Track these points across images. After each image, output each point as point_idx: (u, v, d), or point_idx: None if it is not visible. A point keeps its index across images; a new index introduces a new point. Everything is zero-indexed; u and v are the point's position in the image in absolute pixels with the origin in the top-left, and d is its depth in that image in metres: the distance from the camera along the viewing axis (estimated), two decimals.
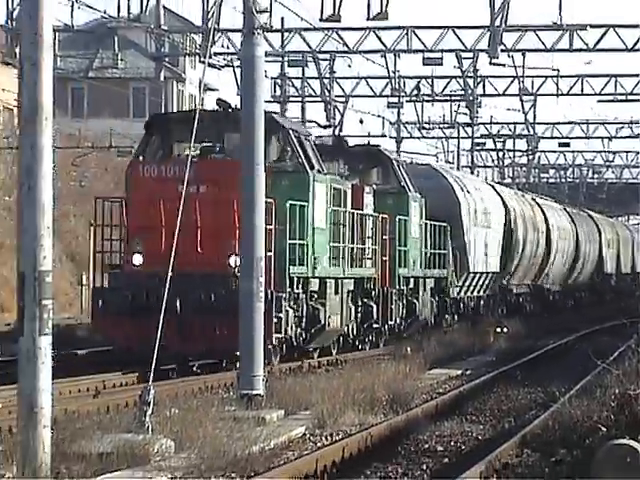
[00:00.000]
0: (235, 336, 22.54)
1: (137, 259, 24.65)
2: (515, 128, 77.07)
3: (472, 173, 69.20)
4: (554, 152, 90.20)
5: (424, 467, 16.67)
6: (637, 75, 58.98)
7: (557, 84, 61.06)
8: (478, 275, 44.99)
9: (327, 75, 55.32)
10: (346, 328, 30.90)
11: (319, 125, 51.67)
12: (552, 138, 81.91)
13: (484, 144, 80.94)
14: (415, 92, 62.00)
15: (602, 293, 67.86)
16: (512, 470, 15.85)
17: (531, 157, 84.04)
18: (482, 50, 45.10)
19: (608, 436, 12.41)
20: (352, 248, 30.94)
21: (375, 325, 33.31)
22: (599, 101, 66.33)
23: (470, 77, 56.22)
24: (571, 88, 61.70)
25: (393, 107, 65.02)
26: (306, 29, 43.83)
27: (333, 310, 28.66)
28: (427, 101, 65.62)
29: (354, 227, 31.13)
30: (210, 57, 40.26)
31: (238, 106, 24.88)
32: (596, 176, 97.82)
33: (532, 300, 55.43)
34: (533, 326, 47.83)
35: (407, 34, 45.75)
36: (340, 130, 57.77)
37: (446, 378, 30.46)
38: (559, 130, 79.90)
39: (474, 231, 44.12)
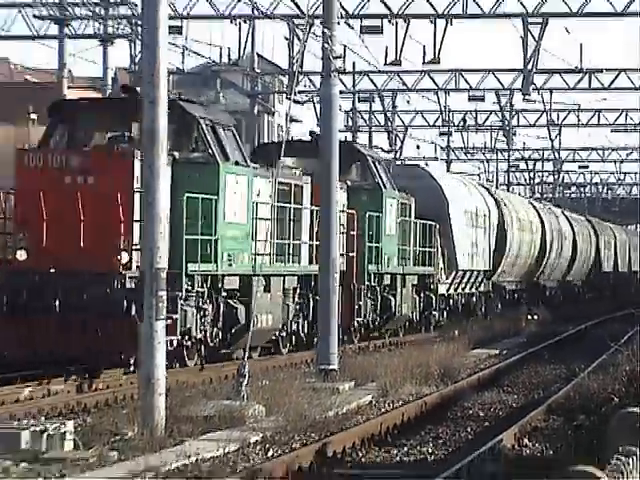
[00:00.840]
0: (122, 338, 19.06)
1: (21, 255, 19.97)
2: (543, 153, 79.09)
3: (508, 190, 69.05)
4: (575, 172, 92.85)
5: (469, 429, 17.14)
6: None
7: (578, 117, 63.35)
8: (468, 273, 40.32)
9: (390, 109, 57.90)
10: (288, 326, 25.47)
11: (383, 150, 53.05)
12: (574, 161, 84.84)
13: (518, 166, 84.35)
14: (462, 123, 64.82)
15: (600, 289, 64.42)
16: (540, 432, 16.38)
17: (556, 177, 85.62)
18: (517, 89, 45.99)
19: (620, 405, 12.39)
20: (292, 244, 25.05)
21: None
22: (612, 131, 67.97)
23: (507, 111, 58.13)
24: (589, 120, 64.11)
25: (444, 135, 67.66)
26: (373, 72, 45.42)
27: (260, 309, 22.86)
28: (471, 131, 69.14)
29: (301, 222, 25.49)
30: (295, 95, 41.18)
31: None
32: (610, 192, 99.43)
33: (528, 296, 50.68)
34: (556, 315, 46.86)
35: (455, 76, 47.56)
36: (400, 154, 61.26)
37: (486, 356, 30.89)
38: (580, 154, 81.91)
39: (463, 230, 39.42)
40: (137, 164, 19.20)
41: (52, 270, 19.24)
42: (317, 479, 12.49)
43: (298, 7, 34.36)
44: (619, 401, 13.64)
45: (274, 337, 25.58)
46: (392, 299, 31.54)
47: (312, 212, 25.93)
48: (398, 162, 50.74)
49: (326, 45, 21.67)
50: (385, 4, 34.06)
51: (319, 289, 23.34)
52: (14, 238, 20.19)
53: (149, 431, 14.39)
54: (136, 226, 19.06)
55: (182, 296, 19.88)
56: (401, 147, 59.74)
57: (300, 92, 43.99)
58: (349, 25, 30.90)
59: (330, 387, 20.58)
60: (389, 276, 31.86)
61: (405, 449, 15.04)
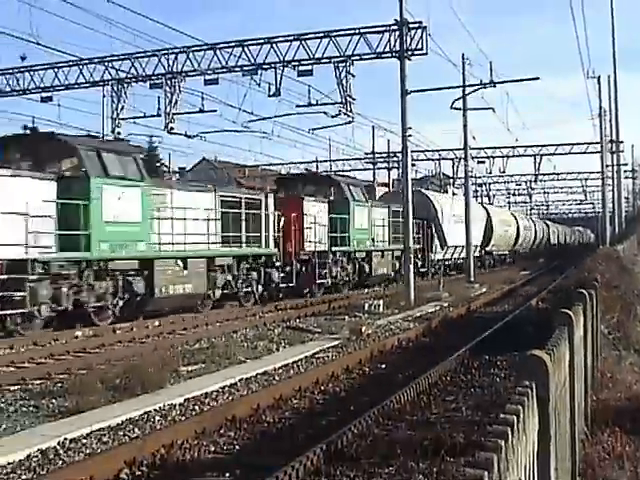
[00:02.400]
0: None
1: None
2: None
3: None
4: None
5: (520, 298, 31.88)
6: None
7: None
8: (454, 247, 50.28)
9: None
10: (210, 292, 27.06)
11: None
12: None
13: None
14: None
15: (551, 252, 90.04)
16: (545, 299, 29.08)
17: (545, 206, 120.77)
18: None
19: (574, 288, 14.73)
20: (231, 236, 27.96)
21: (281, 285, 31.05)
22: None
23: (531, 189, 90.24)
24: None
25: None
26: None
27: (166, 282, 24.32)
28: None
29: (260, 220, 29.58)
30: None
31: None
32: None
33: (510, 257, 72.79)
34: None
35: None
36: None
37: (525, 273, 50.22)
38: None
39: (450, 225, 49.62)
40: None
41: None
42: (464, 317, 24.63)
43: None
44: (574, 287, 16.98)
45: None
46: (366, 265, 37.24)
47: (267, 215, 30.04)
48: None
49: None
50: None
51: (466, 255, 41.02)
52: None
53: (409, 303, 28.06)
54: None
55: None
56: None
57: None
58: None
59: (471, 286, 37.51)
60: (364, 252, 37.17)
61: (498, 307, 28.57)
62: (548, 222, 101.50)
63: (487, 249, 61.65)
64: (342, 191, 35.35)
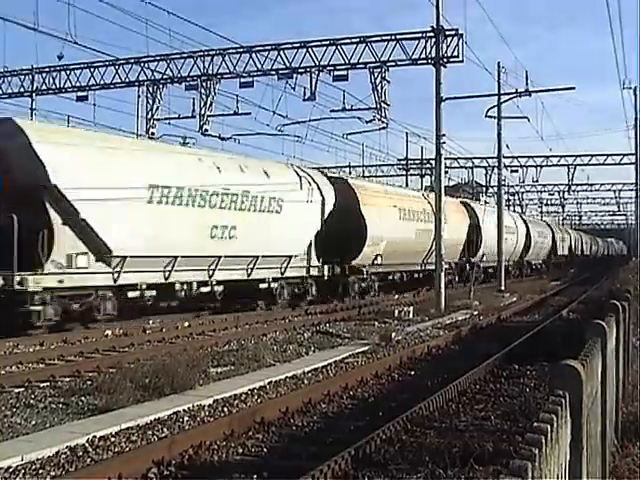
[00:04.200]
0: None
1: None
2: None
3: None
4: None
5: (550, 309, 31.69)
6: None
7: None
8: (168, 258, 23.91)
9: None
10: None
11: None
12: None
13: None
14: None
15: (555, 264, 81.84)
16: (576, 310, 29.87)
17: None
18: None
19: (607, 300, 14.66)
20: None
21: None
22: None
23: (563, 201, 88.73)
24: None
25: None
26: None
27: None
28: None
29: None
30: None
31: None
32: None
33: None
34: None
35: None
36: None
37: (555, 284, 47.10)
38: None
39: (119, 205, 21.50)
40: None
41: None
42: (494, 326, 24.95)
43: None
44: (605, 299, 19.24)
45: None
46: None
47: None
48: None
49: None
50: None
51: (497, 262, 40.75)
52: None
53: (439, 310, 28.39)
54: None
55: None
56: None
57: None
58: None
59: (501, 295, 35.67)
60: None
61: (528, 317, 29.00)
62: (551, 224, 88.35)
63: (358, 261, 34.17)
64: None
